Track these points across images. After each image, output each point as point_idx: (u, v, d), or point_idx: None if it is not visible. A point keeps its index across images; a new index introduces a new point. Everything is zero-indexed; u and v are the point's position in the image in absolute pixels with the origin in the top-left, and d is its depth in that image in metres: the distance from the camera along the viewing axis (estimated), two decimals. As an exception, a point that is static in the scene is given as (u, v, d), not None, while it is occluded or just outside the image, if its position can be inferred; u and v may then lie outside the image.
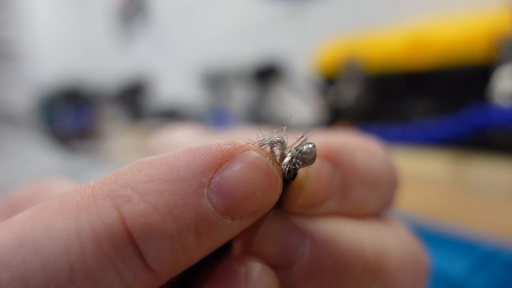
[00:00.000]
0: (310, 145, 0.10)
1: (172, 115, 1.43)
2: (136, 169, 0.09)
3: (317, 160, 0.11)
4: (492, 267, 0.29)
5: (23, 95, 0.37)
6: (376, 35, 0.68)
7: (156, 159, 0.09)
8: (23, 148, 0.34)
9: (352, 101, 0.68)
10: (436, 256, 0.31)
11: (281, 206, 0.11)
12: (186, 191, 0.08)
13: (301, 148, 0.10)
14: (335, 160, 0.11)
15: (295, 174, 0.10)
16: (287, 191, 0.11)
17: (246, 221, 0.09)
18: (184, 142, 0.14)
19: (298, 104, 0.96)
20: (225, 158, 0.09)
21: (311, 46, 0.83)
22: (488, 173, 0.46)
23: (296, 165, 0.10)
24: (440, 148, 0.53)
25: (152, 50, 1.78)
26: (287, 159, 0.10)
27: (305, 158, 0.10)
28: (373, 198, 0.12)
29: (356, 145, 0.12)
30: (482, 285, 0.28)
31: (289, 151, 0.10)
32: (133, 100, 1.74)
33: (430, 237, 0.33)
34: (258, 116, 1.05)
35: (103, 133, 1.54)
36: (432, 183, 0.49)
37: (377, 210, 0.13)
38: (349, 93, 0.68)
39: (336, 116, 0.72)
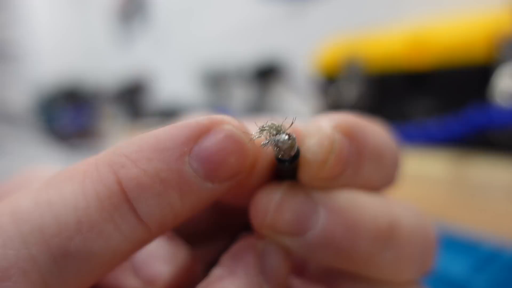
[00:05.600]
0: (286, 137, 0.11)
1: (172, 115, 1.42)
2: (130, 142, 0.10)
3: (340, 136, 0.12)
4: (493, 268, 0.29)
5: (22, 94, 0.37)
6: (376, 34, 0.68)
7: (146, 134, 0.10)
8: (23, 147, 0.34)
9: (353, 100, 0.68)
10: (437, 256, 0.31)
11: (296, 180, 0.12)
12: (171, 158, 0.10)
13: (277, 138, 0.11)
14: (351, 136, 0.12)
15: (296, 154, 0.11)
16: (303, 166, 0.12)
17: (224, 185, 0.11)
18: None
19: (298, 103, 0.96)
20: (203, 131, 0.10)
21: (312, 45, 0.82)
22: (489, 173, 0.46)
23: (278, 151, 0.11)
24: (440, 147, 0.53)
25: (152, 49, 1.77)
26: (272, 143, 0.11)
27: (281, 147, 0.11)
28: (378, 174, 0.13)
29: (366, 123, 0.13)
30: (483, 286, 0.27)
31: (269, 136, 0.11)
32: (132, 99, 1.74)
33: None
34: (258, 116, 1.04)
35: (103, 132, 1.54)
36: (433, 183, 0.49)
37: (380, 186, 0.14)
38: (350, 93, 0.68)
39: (336, 116, 0.72)
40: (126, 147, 0.10)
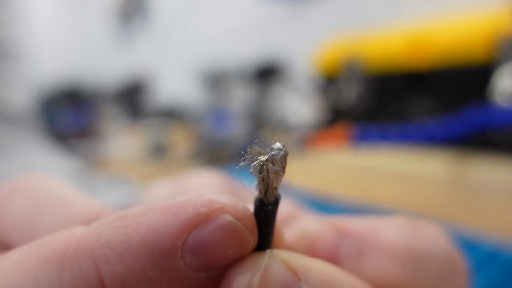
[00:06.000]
0: (280, 145, 0.10)
1: (172, 115, 1.43)
2: (118, 226, 0.09)
3: (315, 223, 0.12)
4: (493, 267, 0.29)
5: (22, 94, 0.37)
6: (376, 34, 0.68)
7: (136, 216, 0.09)
8: (24, 150, 0.34)
9: (353, 100, 0.68)
10: None
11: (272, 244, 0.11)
12: (161, 254, 0.09)
13: (273, 147, 0.10)
14: (343, 230, 0.12)
15: (277, 200, 0.10)
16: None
17: (219, 271, 0.10)
18: (205, 191, 0.15)
19: (298, 103, 0.96)
20: (200, 221, 0.09)
21: (312, 45, 0.82)
22: (489, 173, 0.46)
23: (268, 170, 0.10)
24: (440, 147, 0.53)
25: (152, 49, 1.77)
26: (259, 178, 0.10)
27: (275, 158, 0.10)
28: (423, 278, 0.12)
29: (387, 222, 0.13)
30: (483, 285, 0.27)
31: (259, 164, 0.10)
32: (132, 99, 1.74)
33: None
34: (258, 116, 1.04)
35: (103, 132, 1.54)
36: (433, 183, 0.49)
37: None
38: (350, 93, 0.68)
39: (336, 116, 0.72)
40: (112, 232, 0.09)
